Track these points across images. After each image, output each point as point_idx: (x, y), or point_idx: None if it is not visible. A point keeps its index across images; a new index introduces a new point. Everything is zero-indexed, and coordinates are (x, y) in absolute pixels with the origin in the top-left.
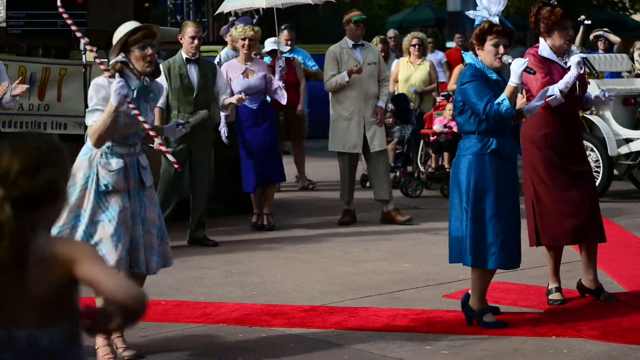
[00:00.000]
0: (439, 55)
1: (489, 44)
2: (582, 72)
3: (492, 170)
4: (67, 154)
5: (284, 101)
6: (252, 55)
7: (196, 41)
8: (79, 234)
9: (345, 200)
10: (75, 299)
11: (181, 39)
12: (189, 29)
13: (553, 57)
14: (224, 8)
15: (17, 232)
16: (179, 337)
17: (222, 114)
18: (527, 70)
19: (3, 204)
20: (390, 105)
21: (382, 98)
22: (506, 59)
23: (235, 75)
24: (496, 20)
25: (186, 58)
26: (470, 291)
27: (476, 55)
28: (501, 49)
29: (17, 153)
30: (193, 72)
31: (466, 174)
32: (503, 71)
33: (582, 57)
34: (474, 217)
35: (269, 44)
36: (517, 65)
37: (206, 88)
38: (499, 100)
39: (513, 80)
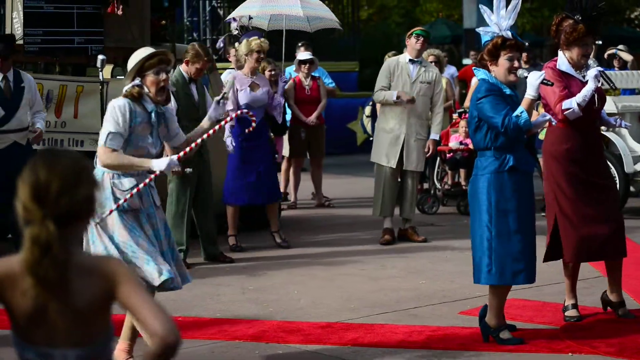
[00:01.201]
0: (451, 69)
1: (503, 59)
2: (599, 85)
3: (512, 187)
4: (95, 173)
5: (279, 119)
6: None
7: (202, 66)
8: (115, 254)
9: (378, 214)
10: (110, 319)
11: (186, 60)
12: (199, 54)
13: (571, 70)
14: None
15: (62, 250)
16: (196, 353)
17: (228, 125)
18: (544, 82)
19: (47, 222)
20: None
21: (434, 129)
22: (521, 72)
23: (242, 87)
24: (508, 34)
25: (188, 78)
26: (488, 307)
27: (489, 71)
28: (516, 63)
29: (55, 171)
30: (194, 90)
31: (486, 193)
32: (517, 87)
33: (600, 71)
34: (499, 235)
35: (304, 55)
36: (534, 78)
37: (204, 106)
38: (517, 113)
39: (530, 93)
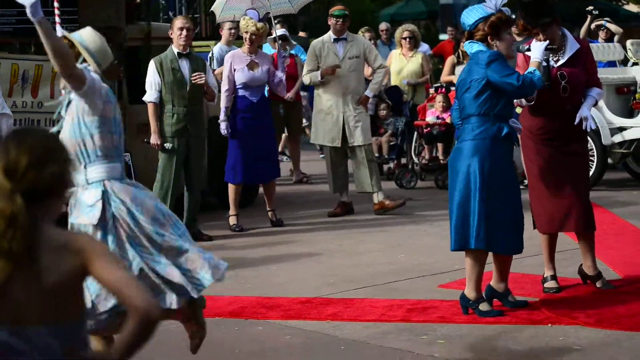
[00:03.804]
0: (424, 47)
1: (506, 34)
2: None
3: (503, 154)
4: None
5: (284, 94)
6: (257, 48)
7: (184, 32)
8: None
9: (332, 192)
10: (83, 296)
11: (171, 34)
12: (177, 21)
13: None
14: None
15: (29, 223)
16: (176, 331)
17: (222, 107)
18: (548, 47)
19: (14, 196)
20: (385, 97)
21: (370, 86)
22: (518, 45)
23: (239, 66)
24: (508, 11)
25: (177, 52)
26: (466, 280)
27: (487, 45)
28: (514, 37)
29: (25, 148)
30: (185, 66)
31: (478, 159)
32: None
33: (544, 66)
34: (486, 200)
35: (279, 31)
36: (539, 43)
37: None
38: (529, 70)
39: (536, 56)
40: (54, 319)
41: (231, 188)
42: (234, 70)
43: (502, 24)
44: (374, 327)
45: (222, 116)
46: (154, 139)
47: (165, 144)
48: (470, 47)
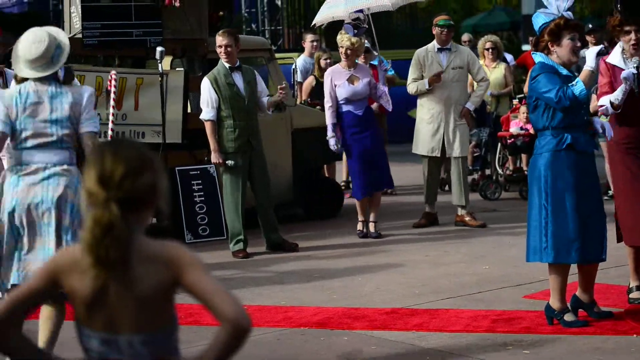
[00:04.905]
0: (508, 57)
1: (566, 39)
2: (628, 87)
3: (569, 166)
4: (160, 161)
5: (389, 107)
6: (357, 62)
7: (223, 49)
8: None
9: (425, 202)
10: (174, 306)
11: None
12: (217, 39)
13: (621, 64)
14: (321, 20)
15: (125, 232)
16: (262, 341)
17: (329, 123)
18: (600, 52)
19: (110, 204)
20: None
21: (471, 99)
22: (583, 52)
23: (340, 81)
24: (570, 15)
25: (229, 67)
26: (550, 291)
27: (548, 53)
28: (578, 43)
29: (120, 157)
30: (238, 79)
31: (544, 171)
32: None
33: (633, 73)
34: (554, 213)
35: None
36: (592, 51)
37: (253, 94)
38: (572, 82)
39: (589, 65)
40: (146, 328)
41: (357, 202)
42: (335, 86)
43: (560, 30)
44: (459, 338)
45: (329, 132)
46: (215, 158)
47: (227, 162)
48: (535, 57)
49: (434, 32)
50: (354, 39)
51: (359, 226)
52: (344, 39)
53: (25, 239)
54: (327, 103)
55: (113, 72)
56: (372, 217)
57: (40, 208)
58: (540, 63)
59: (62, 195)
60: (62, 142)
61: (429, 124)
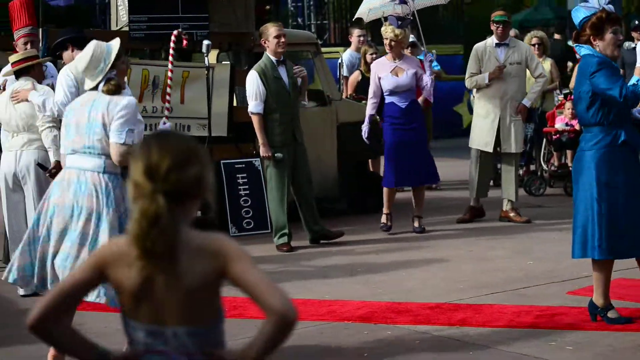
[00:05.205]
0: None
1: (608, 33)
2: None
3: (622, 162)
4: (207, 154)
5: (430, 99)
6: (403, 53)
7: (282, 39)
8: None
9: (474, 197)
10: (220, 298)
11: (264, 42)
12: (273, 29)
13: None
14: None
15: (171, 224)
16: (305, 335)
17: (367, 113)
18: None
19: (157, 197)
20: None
21: (528, 95)
22: (628, 44)
23: (384, 73)
24: (611, 8)
25: (276, 60)
26: (594, 287)
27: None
28: (620, 36)
29: (167, 150)
30: (284, 73)
31: (595, 168)
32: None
33: None
34: (608, 209)
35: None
36: None
37: (295, 88)
38: (632, 82)
39: None
40: (192, 320)
41: (384, 191)
42: (379, 79)
43: (602, 23)
44: (502, 333)
45: (365, 122)
46: (264, 151)
47: (275, 155)
48: (579, 50)
49: (492, 28)
50: (397, 31)
51: (383, 219)
52: (387, 31)
53: (52, 243)
54: (370, 94)
55: (170, 66)
56: (416, 212)
57: (68, 213)
58: (595, 58)
59: (89, 203)
60: (93, 148)
61: (485, 119)
